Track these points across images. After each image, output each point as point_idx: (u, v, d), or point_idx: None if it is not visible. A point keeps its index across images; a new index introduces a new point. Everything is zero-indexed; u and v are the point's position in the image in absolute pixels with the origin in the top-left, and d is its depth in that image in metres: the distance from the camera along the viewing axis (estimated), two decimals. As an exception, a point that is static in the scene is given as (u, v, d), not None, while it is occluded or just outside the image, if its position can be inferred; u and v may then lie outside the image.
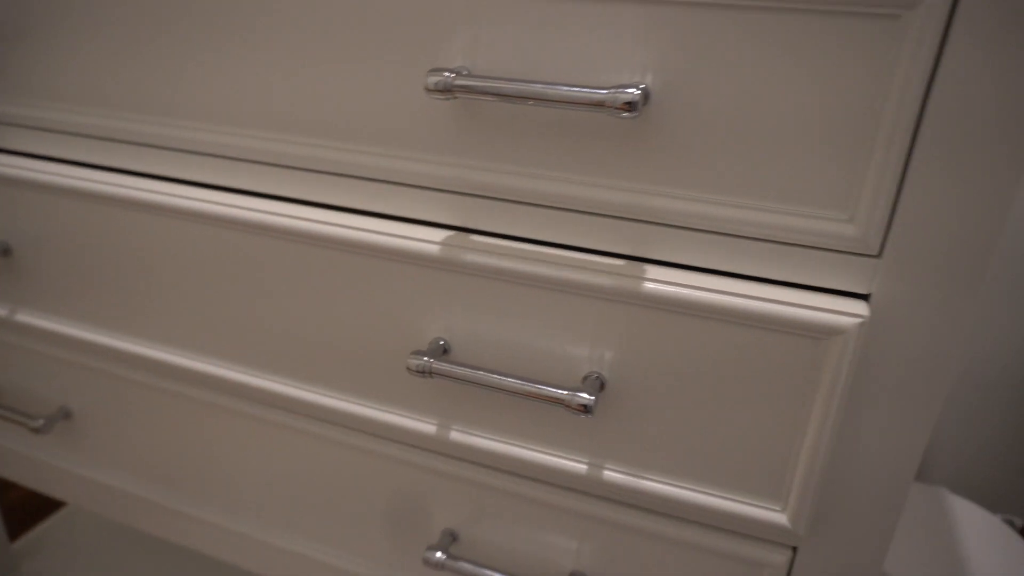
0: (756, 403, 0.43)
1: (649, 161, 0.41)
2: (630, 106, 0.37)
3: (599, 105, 0.37)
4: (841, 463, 0.44)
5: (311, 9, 0.45)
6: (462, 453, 0.53)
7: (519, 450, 0.50)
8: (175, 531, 0.71)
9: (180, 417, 0.64)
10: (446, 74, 0.40)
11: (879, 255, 0.39)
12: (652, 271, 0.43)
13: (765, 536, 0.48)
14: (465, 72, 0.42)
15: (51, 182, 0.58)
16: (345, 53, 0.45)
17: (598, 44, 0.40)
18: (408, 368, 0.47)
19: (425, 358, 0.47)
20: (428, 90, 0.41)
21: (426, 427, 0.52)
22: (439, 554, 0.54)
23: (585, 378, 0.46)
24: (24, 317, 0.66)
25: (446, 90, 0.40)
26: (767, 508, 0.46)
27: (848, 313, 0.39)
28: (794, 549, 0.48)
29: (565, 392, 0.44)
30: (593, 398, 0.43)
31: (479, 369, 0.46)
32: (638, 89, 0.37)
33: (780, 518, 0.45)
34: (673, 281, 0.42)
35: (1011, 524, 1.19)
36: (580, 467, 0.49)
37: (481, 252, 0.46)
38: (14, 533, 1.18)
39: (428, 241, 0.47)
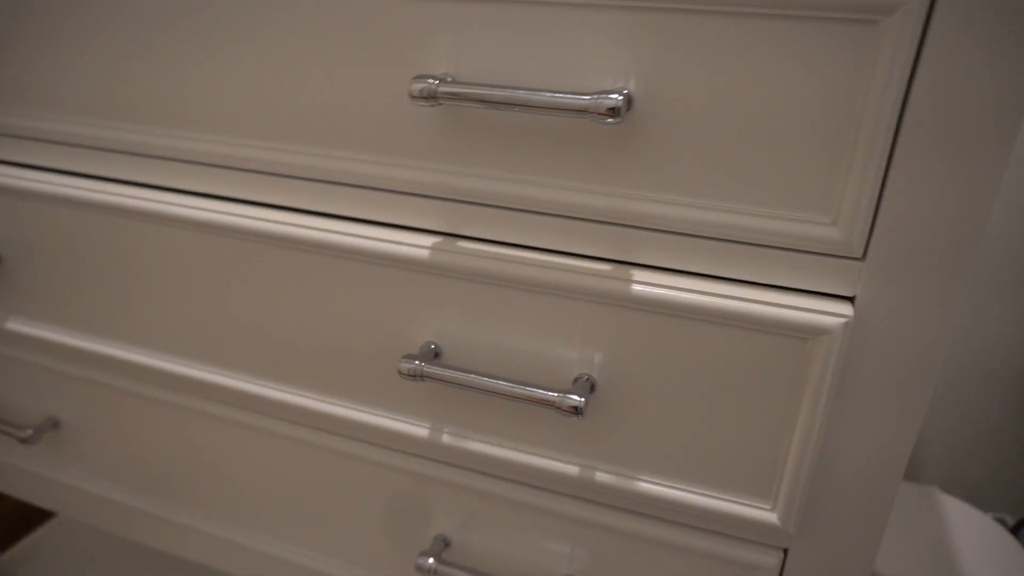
0: (744, 403, 0.44)
1: (633, 165, 0.41)
2: (613, 112, 0.37)
3: (582, 111, 0.38)
4: (830, 463, 0.44)
5: (297, 19, 0.45)
6: (454, 456, 0.53)
7: (511, 452, 0.50)
8: (166, 540, 0.71)
9: (169, 426, 0.64)
10: (430, 81, 0.40)
11: (863, 257, 0.39)
12: (640, 274, 0.43)
13: (756, 537, 0.48)
14: (449, 79, 0.42)
15: (37, 189, 0.58)
16: (330, 61, 0.46)
17: (581, 50, 0.40)
18: (399, 372, 0.47)
19: (416, 362, 0.47)
20: (412, 97, 0.41)
21: (418, 430, 0.52)
22: (431, 560, 0.54)
23: (575, 380, 0.46)
24: (12, 325, 0.66)
25: (430, 97, 0.40)
26: (757, 507, 0.46)
27: (833, 313, 0.40)
28: (785, 551, 0.48)
29: (555, 394, 0.44)
30: (583, 400, 0.43)
31: (470, 372, 0.46)
32: (621, 95, 0.37)
33: (770, 516, 0.45)
34: (661, 283, 0.43)
35: (1002, 523, 1.20)
36: (572, 468, 0.49)
37: (471, 256, 0.46)
38: (4, 544, 1.17)
39: (418, 246, 0.47)
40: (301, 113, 0.48)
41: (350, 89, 0.46)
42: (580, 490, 0.51)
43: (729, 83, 0.38)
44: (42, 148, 0.59)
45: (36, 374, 0.69)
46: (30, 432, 0.68)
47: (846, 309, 0.40)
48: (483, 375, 0.46)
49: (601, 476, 0.48)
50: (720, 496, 0.47)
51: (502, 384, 0.45)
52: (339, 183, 0.49)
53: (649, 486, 0.48)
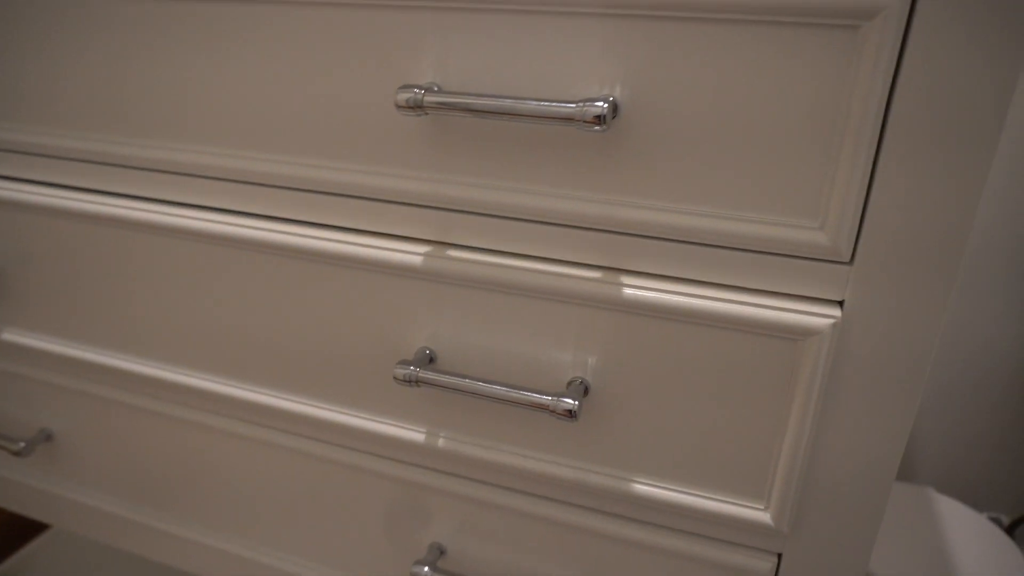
0: (736, 405, 0.44)
1: (620, 172, 0.41)
2: (599, 120, 0.37)
3: (568, 119, 0.38)
4: (822, 464, 0.44)
5: (285, 31, 0.46)
6: (450, 461, 0.53)
7: (506, 456, 0.50)
8: (160, 550, 0.71)
9: (163, 437, 0.64)
10: (416, 90, 0.41)
11: (850, 261, 0.40)
12: (631, 278, 0.44)
13: (749, 540, 0.48)
14: (436, 88, 0.42)
15: (30, 201, 0.58)
16: (318, 72, 0.46)
17: (567, 57, 0.40)
18: (395, 377, 0.47)
19: (411, 367, 0.47)
20: (399, 107, 0.41)
21: (414, 435, 0.53)
22: (426, 569, 0.54)
23: (569, 384, 0.47)
24: (6, 336, 0.66)
25: (416, 106, 0.41)
26: (750, 507, 0.46)
27: (822, 314, 0.40)
28: (779, 556, 0.48)
29: (550, 398, 0.44)
30: (577, 403, 0.43)
31: (465, 377, 0.46)
32: (606, 102, 0.37)
33: (763, 516, 0.46)
34: (653, 287, 0.43)
35: (997, 522, 1.20)
36: (566, 471, 0.49)
37: (465, 262, 0.46)
38: (0, 555, 1.17)
39: (412, 252, 0.47)
40: (289, 124, 0.48)
41: (338, 100, 0.46)
42: (575, 493, 0.51)
43: (714, 90, 0.38)
44: (22, 160, 0.59)
45: (29, 386, 0.69)
46: (23, 445, 0.67)
47: (834, 310, 0.40)
48: (478, 380, 0.46)
49: (595, 478, 0.49)
50: (713, 496, 0.47)
51: (496, 388, 0.45)
52: (328, 193, 0.49)
53: (643, 487, 0.48)
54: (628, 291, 0.43)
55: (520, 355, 0.48)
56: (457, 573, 0.55)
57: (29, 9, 0.52)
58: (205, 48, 0.48)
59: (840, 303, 0.41)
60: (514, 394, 0.45)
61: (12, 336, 0.65)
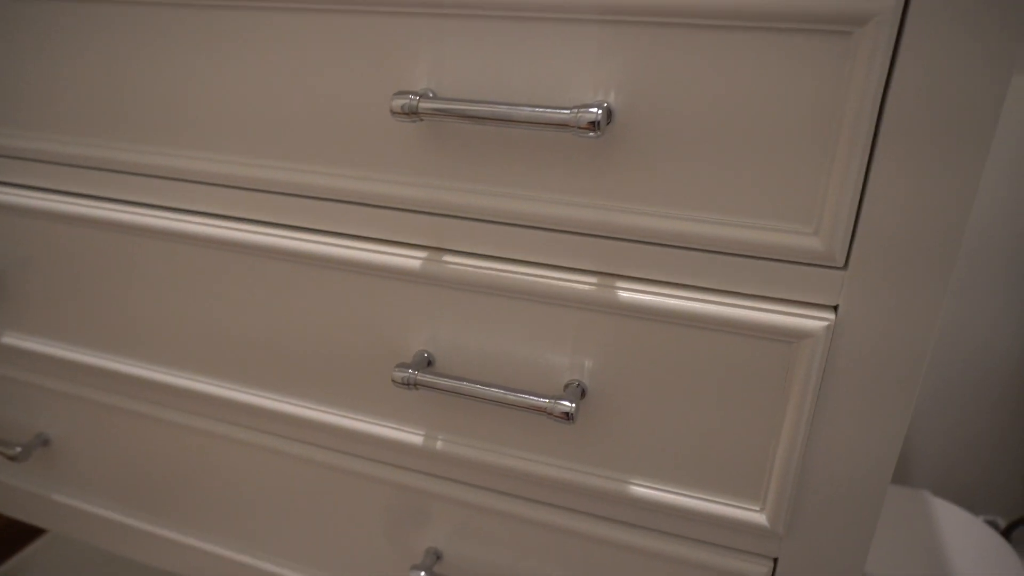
0: (732, 406, 0.44)
1: (615, 178, 0.41)
2: (593, 126, 0.37)
3: (563, 125, 0.38)
4: (818, 466, 0.44)
5: (282, 36, 0.46)
6: (448, 463, 0.53)
7: (504, 458, 0.51)
8: (157, 556, 0.71)
9: (160, 441, 0.64)
10: (411, 97, 0.41)
11: (845, 267, 0.40)
12: (628, 281, 0.44)
13: (744, 544, 0.48)
14: (431, 94, 0.43)
15: (26, 204, 0.58)
16: (314, 77, 0.46)
17: (562, 63, 0.40)
18: (393, 380, 0.47)
19: (409, 370, 0.47)
20: (394, 113, 0.41)
21: (412, 438, 0.53)
22: (422, 574, 0.54)
23: (566, 386, 0.47)
24: (4, 340, 0.66)
25: (411, 113, 0.41)
26: (746, 508, 0.46)
27: (816, 317, 0.40)
28: (775, 561, 0.48)
29: (547, 400, 0.44)
30: (574, 406, 0.44)
31: (462, 380, 0.46)
32: (600, 108, 0.38)
33: (759, 517, 0.46)
34: (649, 290, 0.43)
35: (994, 525, 1.20)
36: (564, 472, 0.49)
37: (462, 265, 0.46)
38: (-3, 560, 1.17)
39: (410, 256, 0.48)
40: (285, 130, 0.48)
41: (334, 106, 0.46)
42: (572, 495, 0.51)
43: (708, 96, 0.38)
44: (27, 168, 0.59)
45: (26, 391, 0.69)
46: (19, 449, 0.67)
47: (828, 313, 0.40)
48: (475, 382, 0.46)
49: (593, 480, 0.49)
50: (709, 498, 0.47)
51: (494, 391, 0.45)
52: (324, 199, 0.49)
53: (639, 489, 0.48)
54: (624, 294, 0.43)
55: (517, 358, 0.48)
56: (453, 578, 0.55)
57: (27, 15, 0.52)
58: (202, 54, 0.48)
59: (835, 308, 0.41)
60: (511, 397, 0.45)
61: (10, 340, 0.65)
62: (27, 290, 0.62)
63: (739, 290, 0.42)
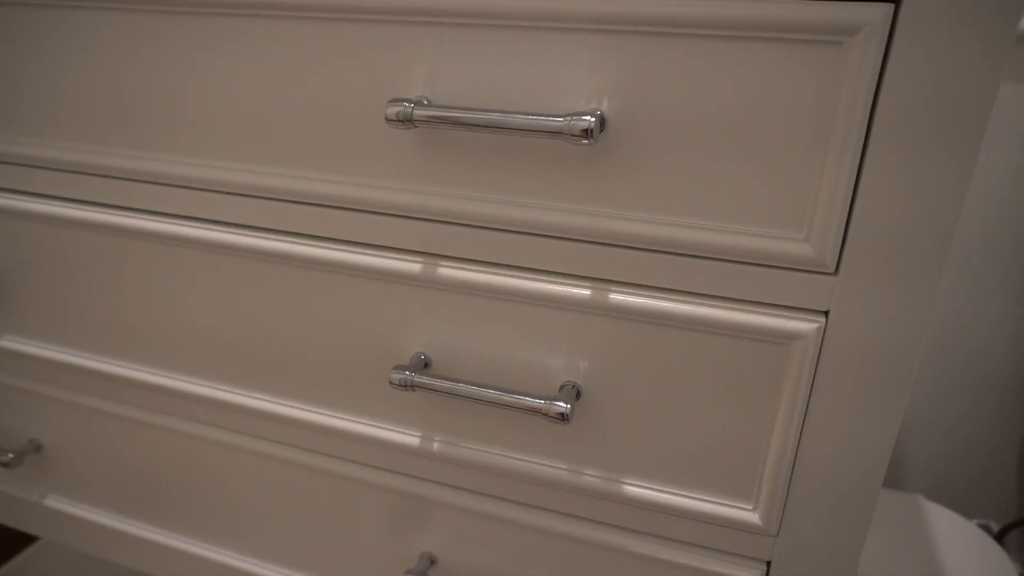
0: (725, 407, 0.44)
1: (608, 184, 0.42)
2: (586, 133, 0.38)
3: (556, 133, 0.38)
4: (809, 467, 0.45)
5: (278, 44, 0.46)
6: (444, 464, 0.54)
7: (500, 459, 0.51)
8: (150, 563, 0.70)
9: (153, 447, 0.64)
10: (406, 104, 0.41)
11: (836, 272, 0.40)
12: (621, 285, 0.44)
13: (738, 548, 0.48)
14: (425, 101, 0.43)
15: (23, 209, 0.58)
16: (309, 84, 0.46)
17: (556, 71, 0.40)
18: (390, 382, 0.48)
19: (406, 372, 0.47)
20: (388, 120, 0.41)
21: (409, 439, 0.53)
22: (416, 579, 0.54)
23: (562, 387, 0.47)
24: (2, 344, 0.66)
25: (406, 120, 0.41)
26: (739, 507, 0.47)
27: (807, 319, 0.41)
28: (767, 564, 0.48)
29: (542, 401, 0.44)
30: (569, 407, 0.44)
31: (459, 381, 0.46)
32: (593, 116, 0.38)
33: (752, 517, 0.46)
34: (644, 293, 0.43)
35: (987, 529, 1.21)
36: (560, 473, 0.50)
37: (459, 268, 0.47)
38: (-10, 567, 1.16)
39: (407, 260, 0.48)
40: (282, 137, 0.48)
41: (330, 112, 0.46)
42: (567, 496, 0.51)
43: (700, 104, 0.38)
44: (27, 174, 0.59)
45: (19, 396, 0.69)
46: (11, 456, 0.67)
47: (819, 315, 0.41)
48: (472, 384, 0.46)
49: (587, 480, 0.49)
50: (703, 497, 0.47)
51: (490, 392, 0.46)
52: (320, 205, 0.50)
53: (634, 488, 0.48)
54: (620, 297, 0.44)
55: (513, 360, 0.48)
56: (448, 583, 0.55)
57: (27, 22, 0.52)
58: (200, 61, 0.48)
59: (826, 313, 0.41)
60: (507, 398, 0.45)
61: (5, 344, 0.65)
62: (22, 294, 0.62)
63: (730, 295, 0.42)
